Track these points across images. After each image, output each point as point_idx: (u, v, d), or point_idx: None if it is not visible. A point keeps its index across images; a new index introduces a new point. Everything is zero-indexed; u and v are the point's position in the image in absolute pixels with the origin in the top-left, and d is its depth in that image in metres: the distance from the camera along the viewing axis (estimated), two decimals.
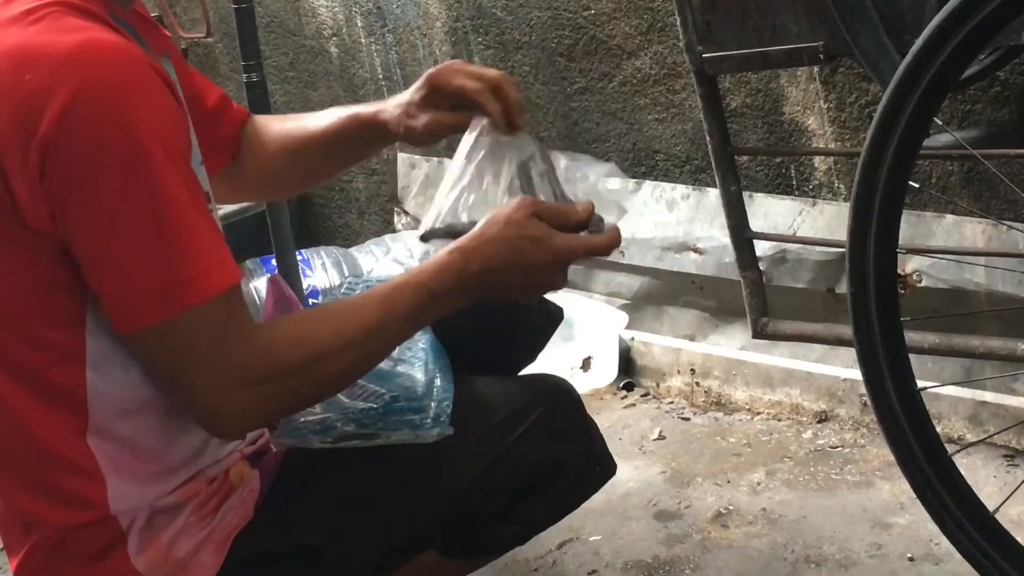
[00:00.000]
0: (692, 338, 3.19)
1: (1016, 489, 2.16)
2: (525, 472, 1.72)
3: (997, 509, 1.89)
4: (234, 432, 1.56)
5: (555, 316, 2.03)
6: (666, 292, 3.22)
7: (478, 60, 3.53)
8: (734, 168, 2.59)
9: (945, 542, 1.95)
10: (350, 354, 1.53)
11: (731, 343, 3.10)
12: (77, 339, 1.48)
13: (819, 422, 2.85)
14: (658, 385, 3.18)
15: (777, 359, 2.97)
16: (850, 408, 2.82)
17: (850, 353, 2.76)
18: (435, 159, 3.77)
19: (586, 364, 3.21)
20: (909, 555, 2.27)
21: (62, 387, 1.49)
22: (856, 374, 2.70)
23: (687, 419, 3.01)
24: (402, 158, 3.89)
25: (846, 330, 2.20)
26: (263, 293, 3.22)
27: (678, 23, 2.47)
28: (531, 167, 1.68)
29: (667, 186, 3.19)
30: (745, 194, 2.69)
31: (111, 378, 1.50)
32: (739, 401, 3.02)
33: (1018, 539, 1.87)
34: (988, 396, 2.61)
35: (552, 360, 2.75)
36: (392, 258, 3.62)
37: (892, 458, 1.95)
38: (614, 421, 2.97)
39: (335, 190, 4.24)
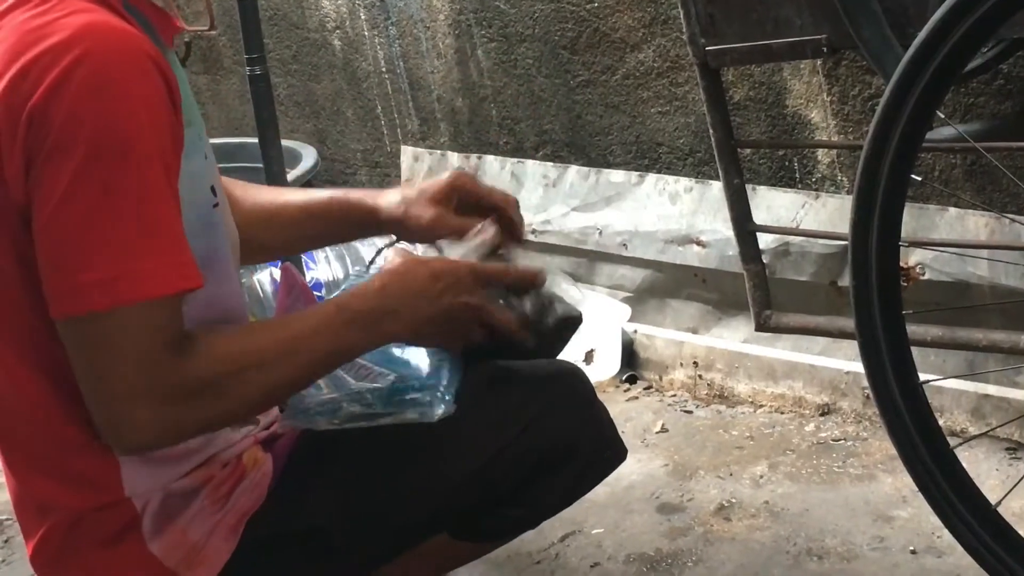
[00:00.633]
0: (695, 331, 3.19)
1: (1018, 482, 2.16)
2: (535, 456, 1.73)
3: (999, 502, 1.89)
4: (136, 447, 1.47)
5: (576, 320, 2.03)
6: (669, 285, 3.22)
7: (481, 53, 3.53)
8: (737, 161, 2.59)
9: (947, 535, 1.95)
10: (260, 375, 1.47)
11: (734, 336, 3.10)
12: None
13: (822, 415, 2.85)
14: (661, 378, 3.18)
15: (780, 352, 2.97)
16: (853, 401, 2.82)
17: (853, 346, 2.74)
18: (438, 152, 3.77)
19: (589, 357, 3.21)
20: (911, 548, 2.27)
21: (69, 370, 1.49)
22: (859, 367, 2.69)
23: (690, 412, 3.01)
24: (406, 150, 3.90)
25: (849, 323, 2.20)
26: (267, 286, 3.23)
27: (681, 16, 2.47)
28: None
29: (670, 179, 3.19)
30: (748, 187, 2.69)
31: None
32: (742, 394, 3.02)
33: (1020, 532, 1.87)
34: (991, 389, 2.61)
35: None
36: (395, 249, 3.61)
37: (894, 451, 1.96)
38: (617, 414, 2.95)
39: (338, 183, 4.24)
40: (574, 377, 1.83)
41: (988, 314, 2.58)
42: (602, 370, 3.18)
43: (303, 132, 4.27)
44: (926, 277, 2.64)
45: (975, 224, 2.60)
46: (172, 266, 1.40)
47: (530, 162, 3.51)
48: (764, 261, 2.65)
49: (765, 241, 2.79)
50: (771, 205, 2.94)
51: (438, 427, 1.64)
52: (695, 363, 3.11)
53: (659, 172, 3.23)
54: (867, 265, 1.87)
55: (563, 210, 3.38)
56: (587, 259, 3.36)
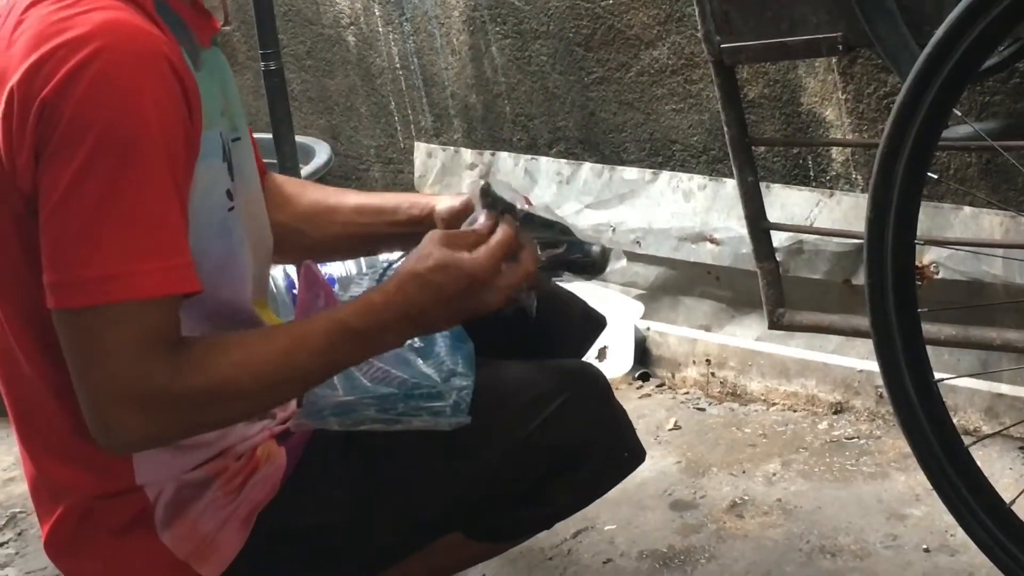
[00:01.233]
0: (708, 328, 3.19)
1: None
2: (550, 455, 1.73)
3: (1014, 501, 1.89)
4: (122, 447, 1.46)
5: (599, 324, 2.03)
6: (682, 282, 3.22)
7: (495, 50, 3.53)
8: (751, 159, 2.59)
9: (960, 533, 1.95)
10: (253, 383, 1.46)
11: (747, 334, 3.10)
12: None
13: (835, 413, 2.85)
14: (673, 375, 3.18)
15: (793, 350, 2.97)
16: (866, 399, 2.82)
17: (866, 344, 2.76)
18: (452, 148, 3.78)
19: (602, 354, 3.21)
20: (924, 546, 2.27)
21: None
22: (872, 365, 2.71)
23: (702, 409, 3.01)
24: (419, 147, 3.90)
25: (863, 321, 2.20)
26: (279, 282, 3.23)
27: (696, 13, 2.47)
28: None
29: (684, 176, 3.19)
30: (762, 185, 2.69)
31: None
32: (755, 392, 3.02)
33: None
34: (1004, 388, 2.61)
35: None
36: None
37: (907, 449, 1.95)
38: (629, 411, 2.91)
39: (351, 179, 4.25)
40: (590, 377, 1.83)
41: (1002, 313, 2.58)
42: (615, 367, 3.18)
43: (316, 128, 4.28)
44: (940, 276, 2.64)
45: (990, 223, 2.59)
46: (169, 269, 1.40)
47: (544, 159, 3.51)
48: (778, 259, 2.65)
49: (779, 239, 2.79)
50: (785, 203, 2.94)
51: None
52: (708, 361, 3.11)
53: (673, 169, 3.23)
54: (882, 263, 1.87)
55: (576, 207, 3.38)
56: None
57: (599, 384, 1.82)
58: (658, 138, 3.25)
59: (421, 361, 1.66)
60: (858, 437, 2.74)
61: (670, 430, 2.91)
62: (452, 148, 3.79)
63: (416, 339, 1.71)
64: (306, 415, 1.65)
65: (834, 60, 2.79)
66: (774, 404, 2.96)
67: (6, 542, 2.73)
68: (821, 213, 2.88)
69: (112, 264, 1.36)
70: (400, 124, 3.99)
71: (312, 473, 1.67)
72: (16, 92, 1.39)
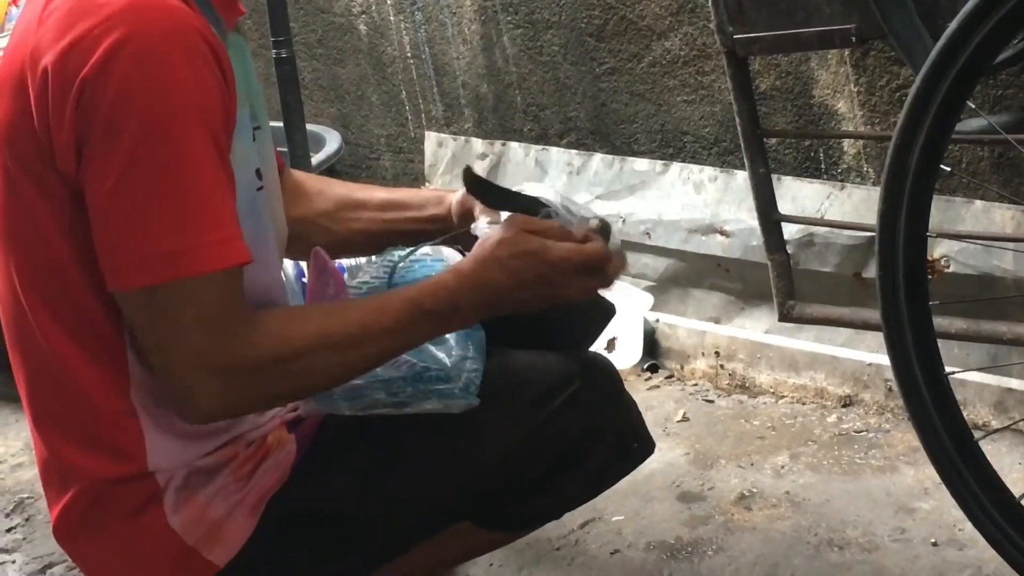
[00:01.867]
0: (717, 321, 3.19)
1: None
2: (560, 445, 1.73)
3: (1023, 495, 1.89)
4: (203, 417, 1.50)
5: (608, 312, 2.03)
6: (692, 274, 3.21)
7: (507, 40, 3.53)
8: (763, 150, 2.58)
9: (969, 527, 1.95)
10: (329, 357, 1.50)
11: (756, 326, 3.09)
12: (110, 296, 1.48)
13: (844, 406, 2.84)
14: (682, 367, 3.18)
15: (802, 343, 2.97)
16: (875, 393, 2.82)
17: (875, 338, 2.75)
18: (462, 138, 3.77)
19: (611, 345, 3.21)
20: (933, 540, 2.27)
21: (105, 341, 1.51)
22: (881, 359, 2.71)
23: (711, 401, 3.01)
24: (430, 136, 3.90)
25: (873, 314, 2.19)
26: (289, 271, 3.23)
27: (709, 4, 2.47)
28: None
29: (695, 168, 3.18)
30: (773, 177, 2.68)
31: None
32: (763, 384, 3.01)
33: None
34: (1014, 383, 2.60)
35: None
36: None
37: (916, 443, 1.95)
38: (638, 402, 2.95)
39: (362, 167, 4.24)
40: (600, 367, 1.83)
41: (1013, 307, 2.57)
42: (623, 359, 3.18)
43: (327, 116, 4.27)
44: (951, 270, 2.63)
45: (1001, 217, 2.59)
46: (229, 239, 1.43)
47: (554, 150, 3.51)
48: (788, 251, 2.65)
49: (789, 231, 2.78)
50: (796, 195, 2.93)
51: (463, 413, 1.65)
52: (717, 353, 3.10)
53: (684, 161, 3.23)
54: (894, 256, 1.87)
55: (587, 198, 3.37)
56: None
57: (610, 375, 1.82)
58: (669, 129, 3.25)
59: (431, 345, 1.66)
60: (867, 430, 2.73)
61: (678, 422, 2.91)
62: (463, 138, 3.78)
63: None
64: (316, 400, 1.66)
65: (847, 52, 2.78)
66: (783, 397, 2.95)
67: (14, 527, 2.74)
68: (832, 206, 2.87)
69: (176, 239, 1.40)
70: (411, 113, 3.98)
71: (322, 460, 1.68)
72: (52, 71, 1.40)
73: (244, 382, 1.46)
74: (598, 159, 3.39)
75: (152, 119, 1.38)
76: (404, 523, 1.71)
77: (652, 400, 3.03)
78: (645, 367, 3.19)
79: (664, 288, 3.28)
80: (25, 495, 2.86)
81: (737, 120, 2.57)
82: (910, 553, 2.24)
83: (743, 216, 3.02)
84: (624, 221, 3.28)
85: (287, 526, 1.63)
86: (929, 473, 2.20)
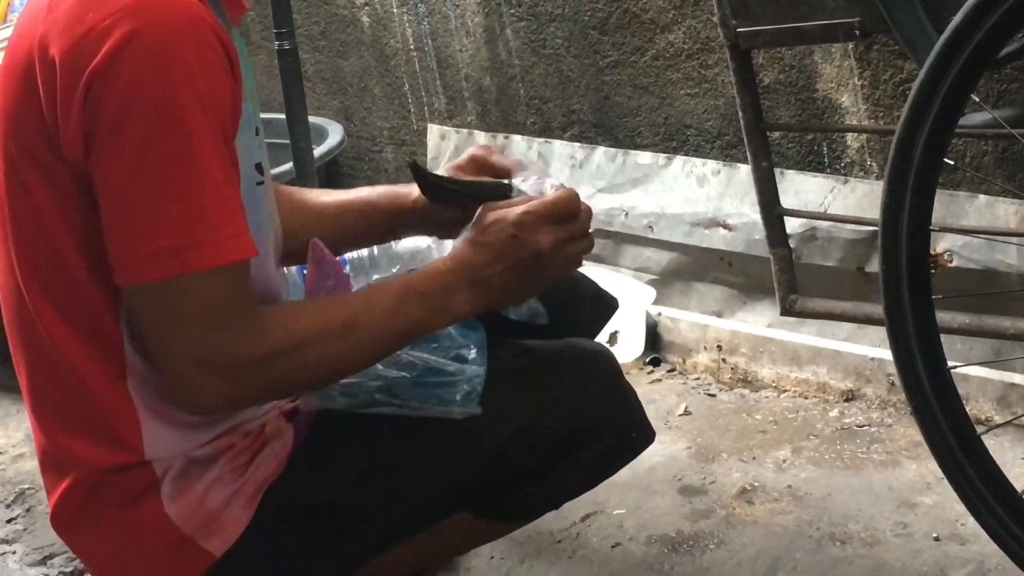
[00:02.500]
0: (719, 314, 3.18)
1: None
2: (559, 435, 1.73)
3: None
4: (206, 411, 1.52)
5: (610, 306, 2.03)
6: (695, 268, 3.21)
7: (510, 32, 3.52)
8: (766, 144, 2.58)
9: (971, 522, 1.95)
10: (332, 348, 1.51)
11: (759, 320, 3.09)
12: (111, 289, 1.48)
13: (846, 400, 2.84)
14: (684, 361, 3.17)
15: (805, 337, 2.96)
16: (877, 387, 2.81)
17: (878, 332, 2.75)
18: (465, 131, 3.77)
19: (613, 339, 3.21)
20: (935, 535, 2.27)
21: (102, 330, 1.51)
22: (884, 353, 2.70)
23: (713, 395, 3.01)
24: (432, 129, 3.89)
25: (875, 309, 2.20)
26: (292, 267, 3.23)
27: None
28: None
29: (698, 161, 3.18)
30: (776, 171, 2.68)
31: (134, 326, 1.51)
32: (765, 378, 3.01)
33: None
34: (1017, 378, 2.60)
35: None
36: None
37: (918, 438, 1.95)
38: (640, 396, 2.92)
39: (364, 160, 4.24)
40: (600, 357, 1.83)
41: (1016, 302, 2.57)
42: (626, 352, 3.18)
43: (330, 109, 4.27)
44: (954, 264, 2.63)
45: (1005, 211, 2.58)
46: (237, 235, 1.44)
47: (557, 142, 3.50)
48: (791, 245, 2.64)
49: (792, 225, 2.78)
50: (799, 189, 2.92)
51: None
52: (719, 347, 3.10)
53: (687, 154, 3.22)
54: (897, 249, 1.87)
55: (589, 191, 3.37)
56: (613, 241, 3.35)
57: (610, 365, 1.82)
58: (672, 123, 3.24)
59: (433, 344, 1.66)
60: (869, 425, 2.73)
61: (680, 415, 2.90)
62: (465, 131, 3.78)
63: None
64: (315, 395, 1.66)
65: (850, 46, 2.78)
66: (785, 391, 2.95)
67: (15, 518, 2.74)
68: (835, 200, 2.87)
69: (183, 235, 1.40)
70: (414, 106, 3.98)
71: (319, 451, 1.67)
72: (60, 61, 1.40)
73: (248, 376, 1.46)
74: (601, 152, 3.39)
75: (162, 112, 1.38)
76: (402, 513, 1.71)
77: (654, 394, 3.03)
78: (647, 360, 3.19)
79: (666, 282, 3.28)
80: (26, 486, 2.86)
81: (740, 114, 2.56)
82: (912, 548, 2.24)
83: (746, 210, 3.02)
84: (627, 214, 3.28)
85: (284, 516, 1.63)
86: (931, 468, 2.20)
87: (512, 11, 3.50)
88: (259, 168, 1.58)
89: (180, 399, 1.48)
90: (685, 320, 3.20)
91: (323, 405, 1.66)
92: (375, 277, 1.82)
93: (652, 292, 3.28)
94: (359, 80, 4.13)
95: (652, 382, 3.11)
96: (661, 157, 3.26)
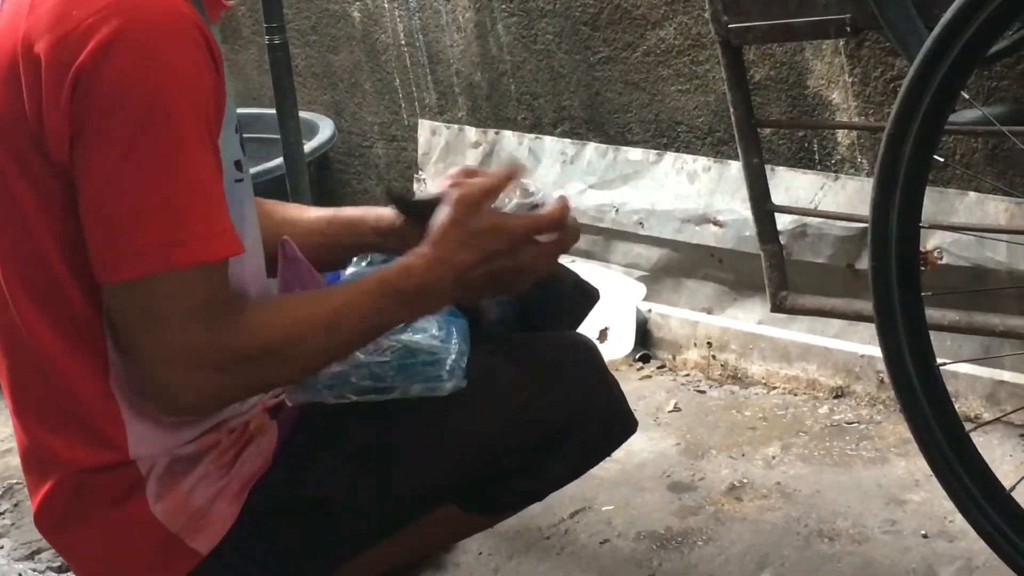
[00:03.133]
0: (710, 311, 3.18)
1: None
2: (543, 426, 1.74)
3: (1014, 487, 1.89)
4: (186, 410, 1.51)
5: (591, 297, 2.03)
6: (685, 264, 3.21)
7: (501, 28, 3.52)
8: (757, 141, 2.58)
9: (959, 519, 1.95)
10: (312, 344, 1.51)
11: (749, 317, 3.09)
12: (94, 289, 1.48)
13: (835, 397, 2.84)
14: (674, 357, 3.17)
15: (795, 334, 2.96)
16: (867, 384, 2.82)
17: (868, 329, 2.75)
18: (456, 126, 3.76)
19: (603, 335, 3.21)
20: (923, 532, 2.27)
21: (85, 329, 1.51)
22: (873, 350, 2.71)
23: (703, 392, 3.01)
24: (423, 124, 3.89)
25: (865, 305, 2.19)
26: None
27: None
28: None
29: (688, 158, 3.18)
30: (767, 167, 2.68)
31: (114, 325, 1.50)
32: (755, 375, 3.01)
33: None
34: (1006, 375, 2.60)
35: None
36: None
37: (908, 435, 1.95)
38: (629, 392, 2.92)
39: (354, 155, 4.23)
40: (584, 348, 1.83)
41: (1006, 299, 2.57)
42: (616, 348, 3.18)
43: (320, 104, 4.26)
44: (944, 261, 2.63)
45: (995, 208, 2.58)
46: (220, 232, 1.44)
47: (548, 138, 3.50)
48: (781, 242, 2.64)
49: (783, 222, 2.77)
50: (790, 186, 2.92)
51: (447, 398, 1.65)
52: (709, 343, 3.10)
53: (677, 151, 3.22)
54: (887, 247, 1.86)
55: (580, 187, 3.37)
56: (603, 237, 3.35)
57: (591, 354, 1.83)
58: (663, 119, 3.24)
59: (414, 333, 1.67)
60: (858, 422, 2.73)
61: (670, 412, 2.90)
62: (456, 126, 3.77)
63: None
64: (300, 389, 1.65)
65: (841, 43, 2.78)
66: (775, 388, 2.95)
67: (2, 513, 2.74)
68: (826, 196, 2.86)
69: (168, 232, 1.39)
70: (404, 101, 3.97)
71: (304, 446, 1.67)
72: (45, 59, 1.40)
73: (229, 373, 1.46)
74: (592, 148, 3.39)
75: (149, 109, 1.38)
76: (388, 508, 1.71)
77: (644, 390, 3.03)
78: (637, 357, 3.19)
79: (657, 278, 3.28)
80: (14, 481, 2.85)
81: (731, 110, 2.56)
82: (900, 545, 2.24)
83: (736, 206, 3.02)
84: (617, 211, 3.28)
85: (270, 512, 1.63)
86: (920, 465, 2.20)
87: (503, 7, 3.50)
88: (238, 165, 1.58)
89: (162, 399, 1.47)
90: (675, 316, 3.19)
91: (310, 399, 1.65)
92: (350, 271, 1.81)
93: (642, 288, 3.27)
94: (350, 75, 4.13)
95: (642, 378, 3.11)
96: (652, 153, 3.25)
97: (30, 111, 1.43)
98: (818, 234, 2.86)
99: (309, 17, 4.16)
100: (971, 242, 2.57)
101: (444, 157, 3.80)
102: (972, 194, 2.62)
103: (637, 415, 1.93)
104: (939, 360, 1.91)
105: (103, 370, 1.52)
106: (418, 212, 1.69)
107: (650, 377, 3.12)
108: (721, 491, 2.51)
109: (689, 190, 3.15)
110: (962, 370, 2.62)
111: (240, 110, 4.24)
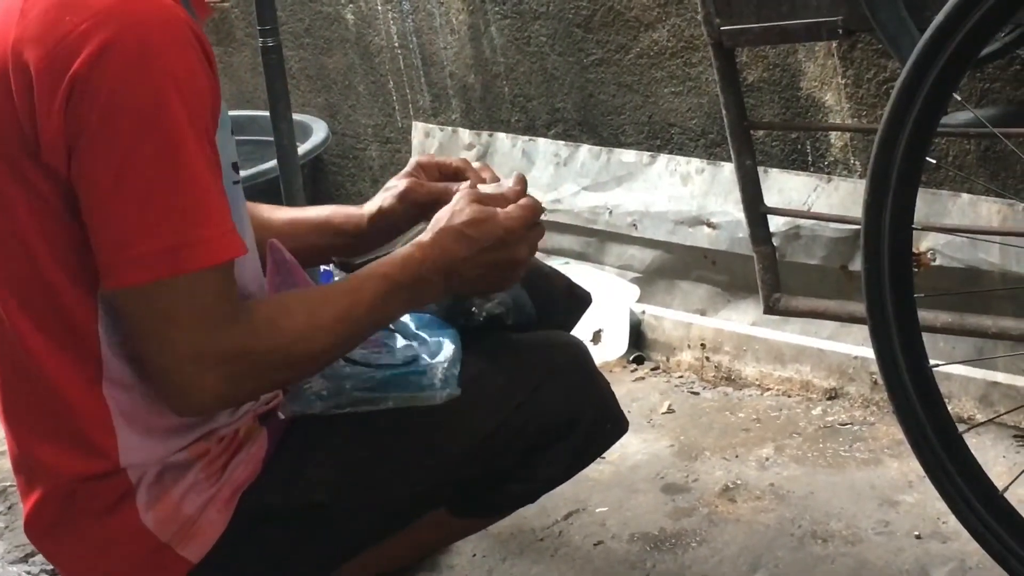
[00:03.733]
0: (703, 313, 3.18)
1: None
2: (535, 429, 1.74)
3: (1006, 488, 1.89)
4: (199, 410, 1.52)
5: (583, 300, 2.03)
6: (678, 266, 3.21)
7: (495, 30, 3.52)
8: (750, 143, 2.58)
9: (952, 520, 1.95)
10: (320, 341, 1.52)
11: (742, 318, 3.09)
12: (89, 293, 1.48)
13: (829, 399, 2.84)
14: (668, 359, 3.17)
15: (788, 335, 2.97)
16: (860, 386, 2.82)
17: (861, 331, 2.75)
18: (450, 128, 3.76)
19: (596, 337, 3.21)
20: (916, 533, 2.27)
21: (78, 335, 1.50)
22: (867, 352, 2.71)
23: (696, 393, 3.01)
24: (417, 126, 3.89)
25: (858, 307, 2.19)
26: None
27: None
28: None
29: (682, 160, 3.18)
30: (760, 169, 2.68)
31: (122, 330, 1.50)
32: (749, 377, 3.01)
33: None
34: (999, 377, 2.60)
35: None
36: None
37: (901, 436, 1.95)
38: (623, 394, 2.96)
39: (348, 157, 4.23)
40: (573, 349, 1.84)
41: (998, 301, 2.57)
42: (609, 350, 3.18)
43: (314, 106, 4.26)
44: (937, 263, 2.63)
45: (988, 210, 2.59)
46: (225, 234, 1.44)
47: (542, 140, 3.50)
48: (774, 244, 2.65)
49: (776, 224, 2.78)
50: (783, 188, 2.93)
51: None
52: (703, 345, 3.10)
53: (671, 153, 3.22)
54: (879, 248, 1.86)
55: (573, 189, 3.37)
56: (597, 239, 3.35)
57: (581, 355, 1.83)
58: (656, 121, 3.24)
59: (408, 334, 1.67)
60: (852, 423, 2.73)
61: (664, 414, 2.90)
62: (450, 128, 3.77)
63: (405, 318, 1.74)
64: (293, 402, 1.65)
65: (834, 44, 2.78)
66: (768, 389, 2.95)
67: None
68: (819, 198, 2.87)
69: (174, 236, 1.40)
70: (398, 103, 3.97)
71: (294, 453, 1.67)
72: (37, 67, 1.39)
73: (241, 373, 1.47)
74: (585, 150, 3.39)
75: (148, 115, 1.38)
76: (380, 513, 1.71)
77: (637, 392, 3.03)
78: (631, 359, 3.19)
79: (650, 280, 3.28)
80: (8, 483, 2.84)
81: (724, 112, 2.56)
82: (894, 546, 2.24)
83: (730, 208, 3.02)
84: (611, 213, 3.28)
85: (261, 520, 1.63)
86: (913, 466, 2.20)
87: (496, 9, 3.50)
88: (235, 167, 1.58)
89: (175, 400, 1.48)
90: (669, 318, 3.20)
91: (303, 411, 1.65)
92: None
93: (636, 290, 3.28)
94: (343, 77, 4.13)
95: (636, 380, 3.11)
96: (645, 155, 3.26)
97: (22, 117, 1.42)
98: (811, 236, 2.87)
99: (303, 19, 4.16)
100: (964, 244, 2.58)
101: None
102: (965, 196, 2.63)
103: (631, 417, 1.93)
104: (932, 361, 1.91)
105: (96, 378, 1.52)
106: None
107: (644, 379, 3.12)
108: (715, 492, 2.51)
109: (682, 192, 3.16)
110: (955, 371, 2.62)
111: (233, 112, 4.24)
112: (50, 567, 2.46)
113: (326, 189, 4.34)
